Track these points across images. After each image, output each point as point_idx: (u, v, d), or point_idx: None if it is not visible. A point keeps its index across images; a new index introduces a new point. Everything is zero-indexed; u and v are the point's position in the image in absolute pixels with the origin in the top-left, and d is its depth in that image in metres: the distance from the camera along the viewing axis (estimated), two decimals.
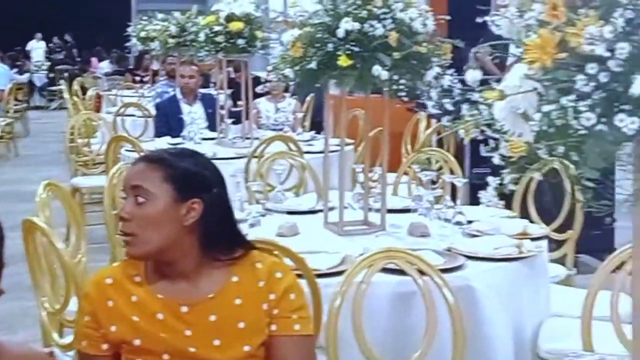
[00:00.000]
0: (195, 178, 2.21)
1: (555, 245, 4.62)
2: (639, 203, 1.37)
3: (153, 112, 8.21)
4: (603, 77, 1.22)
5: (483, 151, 1.47)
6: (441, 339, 2.84)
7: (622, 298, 3.38)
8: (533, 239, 3.66)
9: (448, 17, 4.21)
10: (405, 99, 4.01)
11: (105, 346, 2.24)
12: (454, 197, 4.25)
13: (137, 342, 2.21)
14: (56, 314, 3.37)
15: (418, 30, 3.65)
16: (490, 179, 1.36)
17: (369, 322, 2.88)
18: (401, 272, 2.94)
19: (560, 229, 4.62)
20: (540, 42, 1.25)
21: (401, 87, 3.64)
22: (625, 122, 1.19)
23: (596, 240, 5.88)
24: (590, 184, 1.32)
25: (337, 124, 5.72)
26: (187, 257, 2.21)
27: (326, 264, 3.16)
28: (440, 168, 5.22)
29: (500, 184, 1.33)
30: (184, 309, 2.22)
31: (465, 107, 1.45)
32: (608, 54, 1.21)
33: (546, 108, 1.24)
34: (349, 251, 3.31)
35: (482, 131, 1.47)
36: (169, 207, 2.16)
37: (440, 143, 6.77)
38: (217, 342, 2.20)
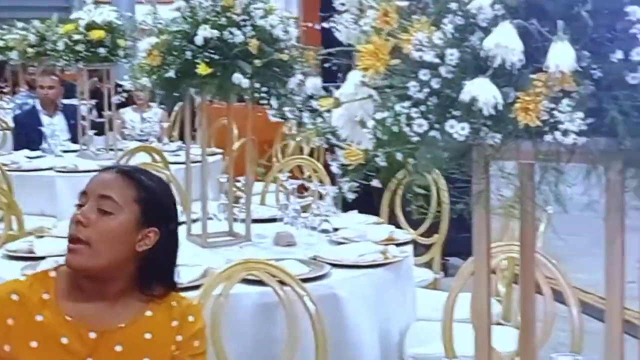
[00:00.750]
0: (161, 208, 2.19)
1: (424, 249, 4.72)
2: (479, 206, 1.41)
3: (12, 124, 7.97)
4: (435, 84, 1.24)
5: (329, 159, 1.47)
6: (306, 348, 2.85)
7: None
8: (399, 244, 3.73)
9: (310, 24, 4.22)
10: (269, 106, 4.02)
11: None
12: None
13: None
14: None
15: (280, 37, 3.65)
16: (329, 187, 1.36)
17: (232, 335, 2.88)
18: (265, 283, 2.94)
19: (428, 233, 4.72)
20: (373, 49, 1.26)
21: (263, 94, 3.64)
22: (455, 128, 1.21)
23: (465, 243, 5.97)
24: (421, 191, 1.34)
25: (210, 133, 5.69)
26: (119, 281, 2.15)
27: (187, 277, 3.10)
28: (310, 176, 5.24)
29: (340, 192, 1.33)
30: (92, 335, 2.13)
31: (306, 115, 1.44)
32: (437, 60, 1.23)
33: (380, 115, 1.25)
34: (212, 263, 3.28)
35: (328, 139, 1.47)
36: (130, 227, 2.12)
37: (311, 151, 6.80)
38: None
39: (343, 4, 1.45)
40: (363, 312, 3.25)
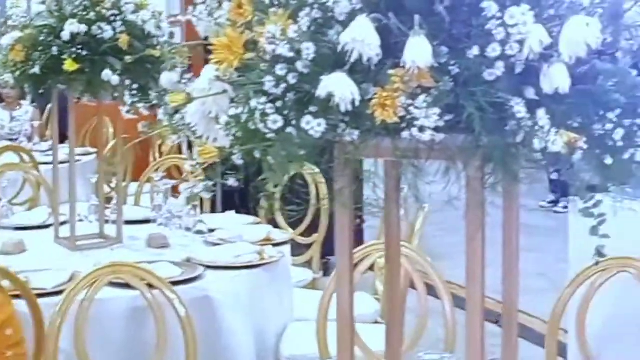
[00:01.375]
0: None
1: (304, 248, 4.70)
2: (339, 203, 1.39)
3: None
4: (292, 79, 1.22)
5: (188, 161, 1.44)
6: (177, 353, 2.79)
7: (361, 297, 3.47)
8: (276, 245, 3.70)
9: (185, 18, 4.15)
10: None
11: None
12: (202, 207, 4.24)
13: None
14: None
15: (151, 33, 3.58)
16: (182, 186, 1.32)
17: (98, 341, 2.80)
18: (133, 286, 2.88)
19: (307, 233, 4.71)
20: (226, 42, 1.23)
21: (134, 92, 3.56)
22: (311, 125, 1.19)
23: None
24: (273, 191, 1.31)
25: (78, 132, 5.54)
26: None
27: (53, 282, 3.02)
28: (187, 177, 5.15)
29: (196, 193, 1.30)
30: None
31: (161, 112, 1.40)
32: (292, 54, 1.20)
33: (233, 111, 1.22)
34: (80, 267, 3.17)
35: (188, 137, 1.43)
36: None
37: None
38: None
39: None
40: (238, 314, 3.20)
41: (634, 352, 2.84)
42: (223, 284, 3.23)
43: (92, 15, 3.45)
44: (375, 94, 1.21)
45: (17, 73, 3.50)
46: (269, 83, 1.21)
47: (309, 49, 1.21)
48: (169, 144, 6.47)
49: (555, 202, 8.23)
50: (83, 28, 3.40)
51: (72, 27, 3.39)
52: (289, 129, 1.20)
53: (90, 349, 2.72)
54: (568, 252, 3.57)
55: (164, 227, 3.91)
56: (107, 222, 3.84)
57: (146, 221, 4.11)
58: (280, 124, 1.19)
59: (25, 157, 5.55)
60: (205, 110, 1.27)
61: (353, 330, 1.47)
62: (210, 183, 1.28)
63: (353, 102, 1.20)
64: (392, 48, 1.24)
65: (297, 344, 3.44)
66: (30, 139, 7.16)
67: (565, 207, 7.59)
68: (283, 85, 1.23)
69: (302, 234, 4.69)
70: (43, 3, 3.56)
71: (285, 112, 1.21)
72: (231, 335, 3.16)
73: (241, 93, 1.24)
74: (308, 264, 4.67)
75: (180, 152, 6.51)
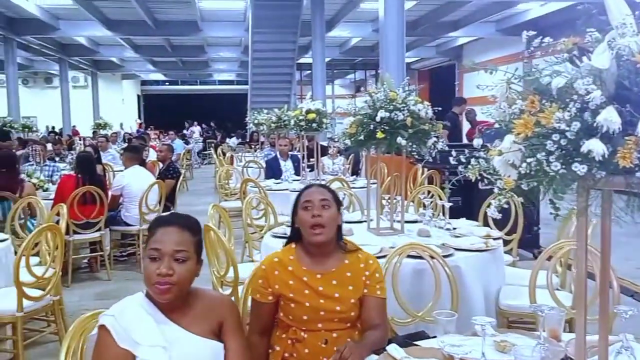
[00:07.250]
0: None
1: (507, 243, 4.50)
2: (580, 214, 1.31)
3: (263, 165, 8.25)
4: (563, 142, 1.18)
5: (481, 186, 1.42)
6: (443, 297, 2.77)
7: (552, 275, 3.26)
8: (494, 239, 3.58)
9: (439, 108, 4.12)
10: (412, 156, 3.98)
11: (270, 297, 2.24)
12: (443, 213, 4.18)
13: (290, 294, 2.20)
14: (220, 278, 3.37)
15: (422, 116, 3.61)
16: (492, 201, 1.30)
17: (402, 284, 2.83)
18: (418, 257, 2.88)
19: (508, 233, 4.52)
20: (523, 122, 1.21)
21: (413, 150, 3.62)
22: (578, 168, 1.14)
23: (529, 240, 5.70)
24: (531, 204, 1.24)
25: (370, 171, 5.68)
26: (332, 243, 2.27)
27: (371, 252, 3.09)
28: (432, 196, 5.11)
29: (499, 202, 1.28)
30: (318, 275, 2.23)
31: (472, 161, 1.39)
32: (565, 128, 1.16)
33: (528, 160, 1.19)
34: (384, 244, 3.26)
35: (481, 175, 1.42)
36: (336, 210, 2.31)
37: (430, 181, 6.60)
38: (336, 295, 2.20)
39: (494, 96, 1.40)
40: (474, 278, 3.13)
41: None
42: (466, 260, 3.17)
43: (391, 107, 3.53)
44: (617, 150, 1.14)
45: (351, 139, 3.66)
46: (549, 144, 1.18)
47: (576, 125, 1.16)
48: (420, 178, 6.46)
49: None
50: (386, 114, 3.49)
51: (381, 114, 3.49)
52: (562, 170, 1.16)
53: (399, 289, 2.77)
54: None
55: (427, 224, 3.91)
56: (394, 221, 3.90)
57: (415, 221, 4.12)
58: (558, 167, 1.16)
59: (343, 184, 5.75)
60: (506, 159, 1.26)
61: (586, 287, 1.37)
62: (503, 205, 1.25)
63: (602, 155, 1.14)
64: (626, 124, 1.16)
65: (509, 299, 3.30)
66: (343, 173, 7.45)
67: None
68: (555, 146, 1.19)
69: (506, 234, 4.49)
70: (365, 102, 3.69)
71: (560, 161, 1.17)
72: (471, 290, 3.10)
73: (529, 150, 1.21)
74: (508, 252, 4.45)
75: (430, 183, 6.43)
